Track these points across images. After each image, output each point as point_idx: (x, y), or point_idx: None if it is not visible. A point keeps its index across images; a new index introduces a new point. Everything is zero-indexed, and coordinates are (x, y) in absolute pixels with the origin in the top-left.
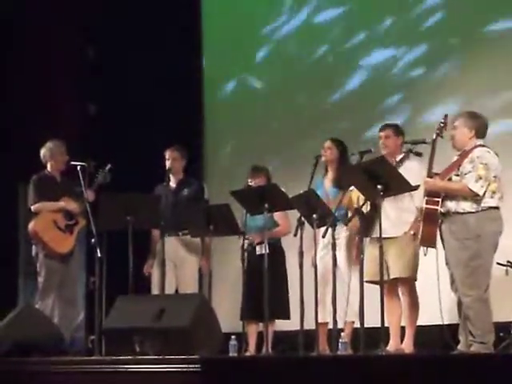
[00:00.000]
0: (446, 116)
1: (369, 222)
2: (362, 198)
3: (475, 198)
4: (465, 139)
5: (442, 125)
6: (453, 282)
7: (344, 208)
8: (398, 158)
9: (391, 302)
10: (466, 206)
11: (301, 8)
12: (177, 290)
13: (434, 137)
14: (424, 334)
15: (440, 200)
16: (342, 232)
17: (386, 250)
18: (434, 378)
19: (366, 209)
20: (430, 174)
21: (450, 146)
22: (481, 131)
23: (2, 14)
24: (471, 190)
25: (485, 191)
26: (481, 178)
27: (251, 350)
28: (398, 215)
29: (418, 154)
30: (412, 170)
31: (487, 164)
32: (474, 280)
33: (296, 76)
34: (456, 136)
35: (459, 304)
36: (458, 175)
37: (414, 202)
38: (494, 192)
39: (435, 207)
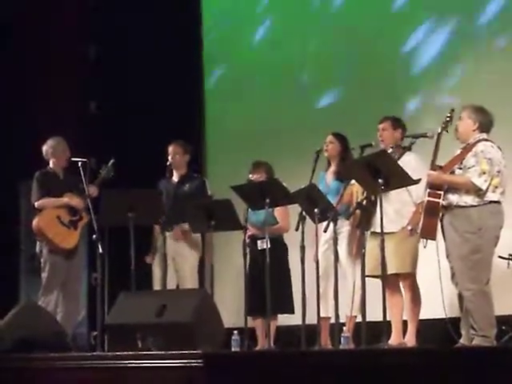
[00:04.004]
0: (452, 110)
1: (368, 216)
2: (361, 192)
3: (478, 192)
4: (468, 131)
5: (447, 119)
6: (453, 275)
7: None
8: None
9: (392, 297)
10: (468, 199)
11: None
12: (178, 285)
13: (440, 130)
14: (427, 327)
15: (442, 193)
16: (344, 226)
17: (385, 246)
18: (436, 371)
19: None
20: (434, 167)
21: (450, 140)
22: (485, 125)
23: (1, 13)
24: (474, 185)
25: (488, 186)
26: (484, 173)
27: (261, 345)
28: (395, 210)
29: (408, 149)
30: (409, 164)
31: (491, 159)
32: (474, 274)
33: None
34: (460, 127)
35: (460, 297)
36: (460, 168)
37: (412, 196)
38: (496, 187)
39: (437, 200)
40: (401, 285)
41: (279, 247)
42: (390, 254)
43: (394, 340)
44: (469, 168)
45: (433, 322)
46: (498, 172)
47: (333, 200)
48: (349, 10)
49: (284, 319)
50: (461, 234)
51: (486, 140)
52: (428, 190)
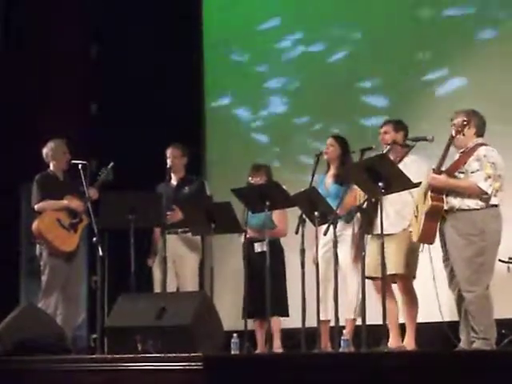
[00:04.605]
0: (469, 113)
1: (369, 219)
2: (363, 195)
3: (482, 196)
4: (467, 137)
5: (465, 123)
6: (451, 279)
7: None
8: (385, 150)
9: (388, 301)
10: (471, 203)
11: None
12: (178, 288)
13: (454, 134)
14: (423, 331)
15: (444, 197)
16: (345, 230)
17: (385, 247)
18: (437, 375)
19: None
20: (438, 171)
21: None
22: (481, 129)
23: (3, 13)
24: (481, 189)
25: (492, 190)
26: (489, 177)
27: (260, 348)
28: (395, 211)
29: (405, 146)
30: (410, 167)
31: (494, 163)
32: (478, 276)
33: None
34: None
35: (458, 301)
36: (462, 172)
37: (413, 197)
38: (497, 190)
39: (441, 204)
40: (397, 287)
41: (275, 250)
42: (391, 254)
43: (392, 343)
44: (472, 172)
45: (431, 325)
46: (499, 176)
47: (332, 204)
48: None
49: (284, 322)
50: (464, 236)
51: (486, 144)
52: (430, 194)
